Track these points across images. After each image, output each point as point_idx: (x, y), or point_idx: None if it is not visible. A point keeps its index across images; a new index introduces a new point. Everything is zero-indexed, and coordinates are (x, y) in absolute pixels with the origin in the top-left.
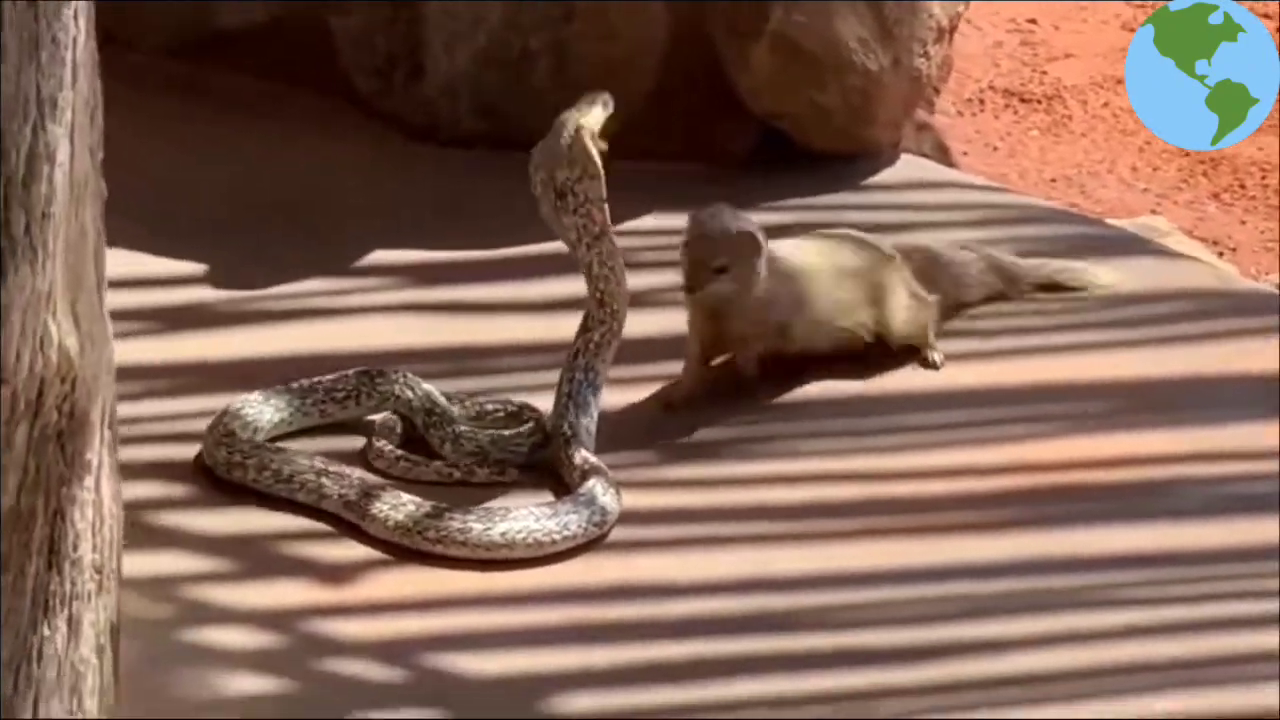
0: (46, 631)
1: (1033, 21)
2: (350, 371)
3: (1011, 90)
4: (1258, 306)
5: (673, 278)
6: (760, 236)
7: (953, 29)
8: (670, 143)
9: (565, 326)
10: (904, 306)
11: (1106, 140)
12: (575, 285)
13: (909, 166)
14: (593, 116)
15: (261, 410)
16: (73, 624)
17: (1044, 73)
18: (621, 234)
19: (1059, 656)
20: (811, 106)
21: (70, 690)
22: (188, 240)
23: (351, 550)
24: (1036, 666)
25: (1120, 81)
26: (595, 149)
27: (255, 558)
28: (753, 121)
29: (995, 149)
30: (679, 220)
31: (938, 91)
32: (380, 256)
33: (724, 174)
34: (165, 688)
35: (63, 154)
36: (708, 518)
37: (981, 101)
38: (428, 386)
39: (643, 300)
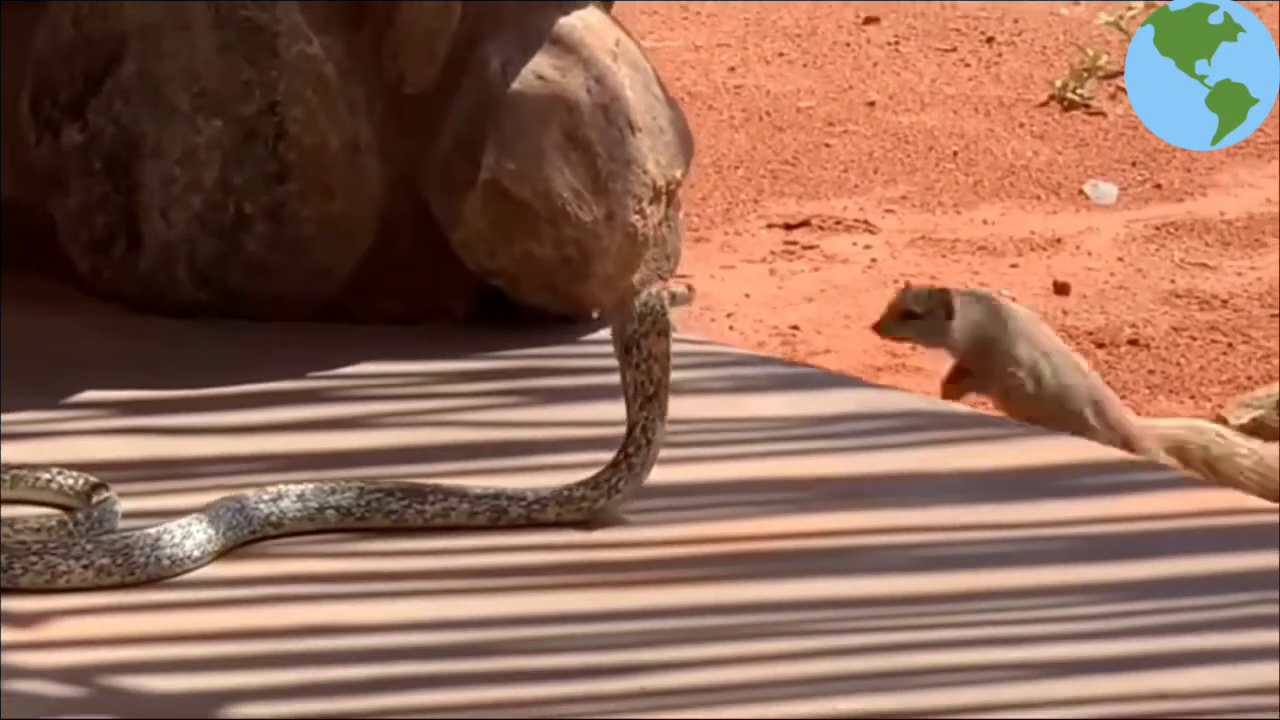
0: None
1: (795, 328)
2: None
3: None
4: (961, 422)
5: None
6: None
7: (670, 195)
8: (389, 303)
9: (260, 444)
10: None
11: None
12: (287, 413)
13: None
14: (671, 290)
15: None
16: None
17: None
18: (336, 378)
19: (732, 673)
20: (526, 260)
21: None
22: None
23: (31, 602)
24: (711, 680)
25: (880, 369)
26: (669, 310)
27: None
28: (469, 279)
29: None
30: (393, 366)
31: (672, 268)
32: (92, 395)
33: (441, 332)
34: None
35: None
36: (395, 578)
37: None
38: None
39: (354, 423)
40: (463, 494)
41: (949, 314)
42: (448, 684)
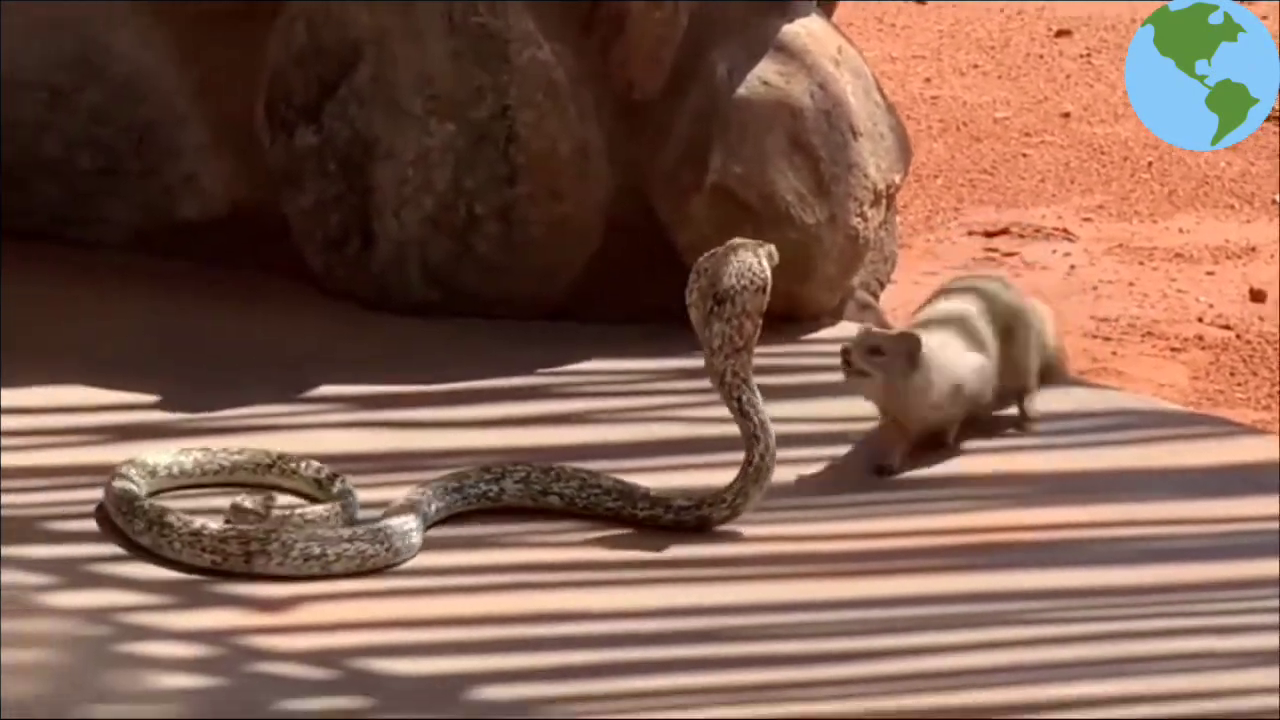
0: None
1: None
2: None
3: None
4: (1172, 420)
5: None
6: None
7: (890, 199)
8: (614, 303)
9: (487, 438)
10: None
11: None
12: (515, 408)
13: (848, 329)
14: (769, 247)
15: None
16: None
17: None
18: (562, 374)
19: (962, 659)
20: None
21: None
22: (139, 383)
23: (279, 588)
24: (942, 666)
25: (1081, 372)
26: (768, 265)
27: (189, 593)
28: None
29: None
30: (618, 364)
31: (882, 286)
32: (327, 390)
33: (665, 331)
34: (101, 684)
35: None
36: (622, 566)
37: None
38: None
39: (580, 418)
40: (667, 504)
41: (913, 362)
42: (681, 668)
